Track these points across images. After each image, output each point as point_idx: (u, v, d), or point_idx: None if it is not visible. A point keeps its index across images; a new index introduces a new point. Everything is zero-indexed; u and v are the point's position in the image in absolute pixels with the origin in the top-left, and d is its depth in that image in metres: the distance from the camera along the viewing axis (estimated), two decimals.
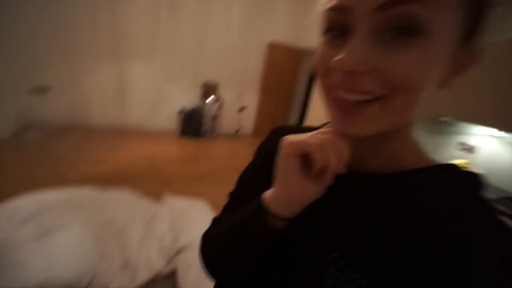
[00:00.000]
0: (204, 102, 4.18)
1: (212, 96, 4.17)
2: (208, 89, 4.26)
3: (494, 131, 2.14)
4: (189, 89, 4.30)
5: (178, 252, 1.66)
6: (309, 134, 0.30)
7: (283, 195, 0.31)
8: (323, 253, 0.31)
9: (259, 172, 0.45)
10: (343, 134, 0.28)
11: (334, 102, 0.28)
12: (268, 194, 0.33)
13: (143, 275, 1.44)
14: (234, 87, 4.60)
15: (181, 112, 4.16)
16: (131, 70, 3.80)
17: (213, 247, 0.42)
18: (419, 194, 0.29)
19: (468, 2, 0.23)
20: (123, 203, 2.00)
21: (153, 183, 2.62)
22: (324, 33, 0.28)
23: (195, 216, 2.05)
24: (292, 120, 5.23)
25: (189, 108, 4.28)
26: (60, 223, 1.58)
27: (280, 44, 4.53)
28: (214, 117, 4.26)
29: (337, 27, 0.26)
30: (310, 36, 4.35)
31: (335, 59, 0.24)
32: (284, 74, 4.75)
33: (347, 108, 0.27)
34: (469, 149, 2.32)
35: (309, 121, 3.71)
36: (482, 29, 0.25)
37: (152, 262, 1.51)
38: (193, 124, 4.10)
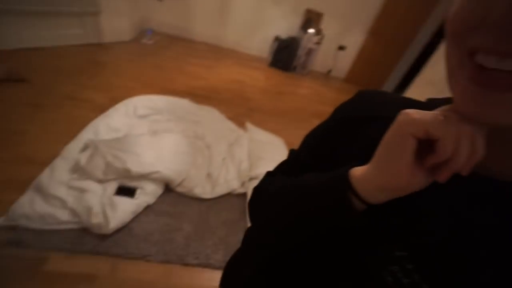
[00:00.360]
0: (303, 33, 3.79)
1: (312, 29, 3.71)
2: (310, 18, 3.78)
3: None
4: (290, 15, 3.91)
5: (251, 179, 1.84)
6: (434, 112, 0.23)
7: (381, 181, 0.25)
8: (392, 247, 0.28)
9: (332, 140, 0.39)
10: (474, 119, 0.21)
11: (471, 71, 0.21)
12: (358, 172, 0.27)
13: (221, 189, 1.69)
14: (340, 21, 3.95)
15: (276, 39, 3.94)
16: None
17: (269, 206, 0.39)
18: None
19: None
20: (213, 122, 2.22)
21: (238, 108, 2.77)
22: None
23: (270, 151, 2.14)
24: (396, 77, 4.38)
25: (285, 37, 3.99)
26: (167, 127, 1.89)
27: None
28: (309, 52, 3.90)
29: None
30: None
31: (497, 11, 0.18)
32: (406, 18, 3.75)
33: (493, 80, 0.19)
34: None
35: (419, 81, 3.02)
36: None
37: (229, 181, 1.73)
38: (285, 55, 3.88)
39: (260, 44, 4.13)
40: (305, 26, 3.82)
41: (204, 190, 1.64)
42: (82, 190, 1.31)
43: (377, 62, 4.27)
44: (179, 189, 1.61)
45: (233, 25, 3.94)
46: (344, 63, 4.40)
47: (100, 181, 1.39)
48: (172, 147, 1.64)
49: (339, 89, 4.20)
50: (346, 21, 3.97)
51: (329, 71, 4.47)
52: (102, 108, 1.98)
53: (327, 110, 3.27)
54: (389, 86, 4.54)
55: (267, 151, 2.11)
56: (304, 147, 0.45)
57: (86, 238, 1.23)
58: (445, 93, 0.28)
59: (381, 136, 0.26)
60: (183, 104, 2.26)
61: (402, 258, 0.27)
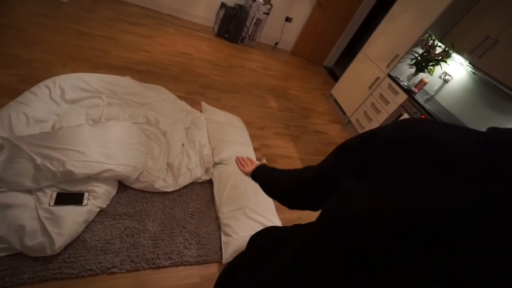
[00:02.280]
0: (251, 2, 3.55)
1: None
2: None
3: None
4: None
5: (216, 164, 1.74)
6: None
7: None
8: (434, 271, 0.30)
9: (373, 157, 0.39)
10: None
11: None
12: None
13: (184, 180, 1.55)
14: None
15: (222, 6, 3.60)
16: None
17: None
18: None
19: None
20: (164, 103, 1.96)
21: (189, 85, 2.52)
22: None
23: (232, 132, 2.05)
24: (337, 49, 4.60)
25: (232, 5, 3.68)
26: (109, 113, 1.58)
27: None
28: (258, 22, 3.71)
29: None
30: None
31: None
32: None
33: None
34: None
35: (361, 56, 3.23)
36: None
37: (192, 170, 1.60)
38: (233, 25, 3.61)
39: (204, 11, 3.73)
40: None
41: (166, 183, 1.49)
42: (4, 207, 1.02)
43: (321, 34, 4.37)
44: (136, 186, 1.41)
45: None
46: (290, 35, 4.37)
47: (30, 191, 1.10)
48: (122, 137, 1.39)
49: (286, 62, 4.21)
50: None
51: (276, 44, 4.40)
52: (9, 92, 1.52)
53: (279, 85, 3.29)
54: (331, 59, 4.77)
55: (228, 132, 2.01)
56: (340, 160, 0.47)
57: (24, 264, 0.98)
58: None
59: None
60: (124, 83, 1.91)
61: (439, 277, 0.29)
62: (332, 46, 4.61)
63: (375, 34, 3.09)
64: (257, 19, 3.67)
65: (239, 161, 0.87)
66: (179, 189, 1.55)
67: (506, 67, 2.04)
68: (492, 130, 0.33)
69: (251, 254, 0.65)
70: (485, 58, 2.20)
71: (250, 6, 3.56)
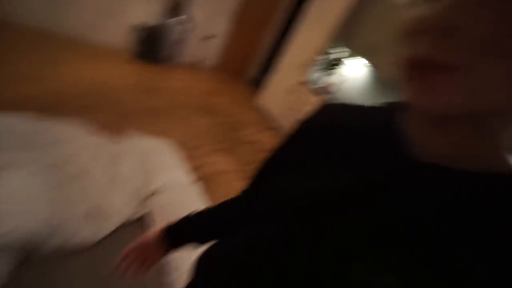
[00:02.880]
0: (170, 20, 3.49)
1: (182, 15, 3.49)
2: (178, 3, 3.52)
3: None
4: (152, 1, 3.48)
5: (150, 196, 1.64)
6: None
7: None
8: (356, 249, 0.27)
9: (296, 143, 0.42)
10: (420, 109, 0.25)
11: (408, 73, 0.24)
12: None
13: (111, 223, 1.39)
14: (210, 7, 3.90)
15: (138, 27, 3.44)
16: None
17: None
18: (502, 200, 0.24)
19: None
20: (79, 138, 1.75)
21: (108, 114, 2.31)
22: None
23: (164, 158, 1.97)
24: (259, 62, 4.91)
25: (149, 24, 3.55)
26: (6, 160, 1.33)
27: None
28: (179, 41, 3.68)
29: None
30: None
31: (418, 16, 0.22)
32: (266, 4, 4.18)
33: (431, 71, 0.22)
34: None
35: (280, 67, 3.55)
36: None
37: (121, 208, 1.47)
38: (151, 45, 3.49)
39: (118, 32, 3.49)
40: (172, 12, 3.53)
41: (88, 233, 1.30)
42: None
43: (243, 48, 4.60)
44: (47, 249, 1.15)
45: (79, 8, 3.09)
46: (213, 51, 4.47)
47: None
48: (24, 188, 1.19)
49: (211, 78, 4.29)
50: (215, 8, 3.96)
51: (200, 61, 4.44)
52: None
53: (206, 102, 3.30)
54: (255, 70, 5.05)
55: (160, 159, 1.93)
56: (270, 163, 0.47)
57: None
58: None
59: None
60: (24, 122, 1.64)
61: (362, 260, 0.26)
62: (254, 58, 4.90)
63: (290, 44, 3.44)
64: (177, 38, 3.64)
65: (129, 260, 0.59)
66: (106, 238, 1.38)
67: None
68: (389, 103, 0.37)
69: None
70: (374, 56, 2.73)
71: (170, 25, 3.51)
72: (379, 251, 0.26)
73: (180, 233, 0.58)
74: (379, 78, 2.90)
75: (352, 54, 2.99)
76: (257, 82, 4.95)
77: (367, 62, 2.90)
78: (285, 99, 3.37)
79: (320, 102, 2.90)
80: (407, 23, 0.23)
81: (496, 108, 0.23)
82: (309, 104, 3.03)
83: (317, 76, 3.24)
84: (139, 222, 1.55)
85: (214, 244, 0.51)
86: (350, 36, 2.99)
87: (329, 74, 3.16)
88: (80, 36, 3.27)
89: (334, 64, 3.07)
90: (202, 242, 0.56)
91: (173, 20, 3.46)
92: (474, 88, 0.21)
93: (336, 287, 0.27)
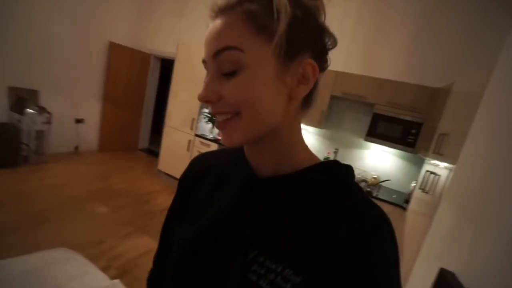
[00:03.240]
0: (17, 116, 3.02)
1: (32, 108, 3.09)
2: (22, 97, 3.11)
3: (303, 126, 3.15)
4: None
5: None
6: None
7: None
8: (245, 252, 0.35)
9: (180, 199, 0.49)
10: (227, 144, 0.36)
11: (216, 124, 0.37)
12: None
13: None
14: (66, 94, 3.65)
15: None
16: None
17: None
18: (311, 185, 0.37)
19: (273, 40, 0.31)
20: None
21: None
22: None
23: (58, 271, 1.59)
24: (145, 130, 4.89)
25: None
26: None
27: (123, 45, 4.06)
28: (40, 135, 3.20)
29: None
30: (155, 40, 4.25)
31: (198, 94, 0.34)
32: (131, 78, 4.33)
33: (219, 125, 0.35)
34: None
35: (167, 129, 3.68)
36: (296, 50, 0.33)
37: None
38: (5, 147, 2.87)
39: None
40: (17, 107, 3.07)
41: None
42: None
43: (123, 123, 4.46)
44: None
45: None
46: (90, 134, 4.11)
47: None
48: None
49: (98, 160, 3.89)
50: (73, 93, 3.73)
51: (77, 147, 3.97)
52: None
53: (100, 187, 3.02)
54: (144, 140, 4.93)
55: (54, 274, 1.55)
56: (167, 222, 0.52)
57: None
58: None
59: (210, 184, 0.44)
60: None
61: (255, 256, 0.34)
62: (139, 129, 4.81)
63: (168, 108, 3.64)
64: (37, 131, 3.17)
65: None
66: None
67: None
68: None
69: None
70: None
71: (19, 121, 3.02)
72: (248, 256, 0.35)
73: None
74: None
75: None
76: (152, 150, 4.81)
77: None
78: (185, 158, 3.46)
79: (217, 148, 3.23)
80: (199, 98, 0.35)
81: (269, 129, 0.35)
82: None
83: (206, 127, 3.54)
84: None
85: None
86: None
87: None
88: None
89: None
90: None
91: (23, 115, 3.03)
92: (248, 124, 0.33)
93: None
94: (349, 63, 2.89)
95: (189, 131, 3.43)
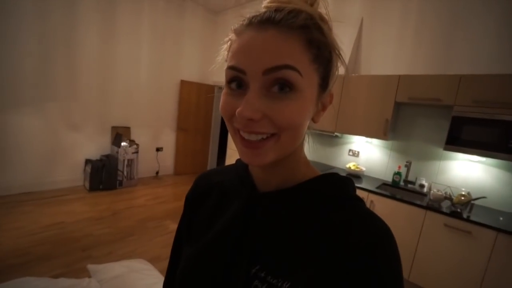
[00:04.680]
0: (116, 148, 3.78)
1: (125, 141, 3.83)
2: (119, 133, 3.90)
3: (366, 139, 2.90)
4: (96, 136, 3.81)
5: None
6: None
7: None
8: (247, 268, 0.35)
9: (187, 216, 0.50)
10: (250, 164, 0.35)
11: (240, 140, 0.33)
12: None
13: None
14: (149, 128, 4.39)
15: (87, 162, 3.61)
16: (14, 120, 3.06)
17: None
18: (313, 197, 0.37)
19: (320, 70, 0.33)
20: None
21: (68, 256, 2.15)
22: (227, 83, 0.34)
23: (136, 278, 1.82)
24: (213, 153, 5.36)
25: (98, 157, 3.77)
26: None
27: (191, 81, 4.69)
28: (130, 163, 3.89)
29: (236, 80, 0.33)
30: (217, 72, 4.74)
31: (238, 110, 0.30)
32: (199, 109, 4.90)
33: (250, 144, 0.32)
34: (356, 154, 3.04)
35: (230, 151, 3.94)
36: (329, 82, 0.36)
37: None
38: (105, 174, 3.61)
39: (68, 174, 3.58)
40: (116, 141, 3.85)
41: None
42: None
43: (193, 150, 5.01)
44: None
45: (22, 163, 3.18)
46: (167, 161, 4.75)
47: None
48: None
49: (173, 183, 4.41)
50: (154, 126, 4.45)
51: (157, 172, 4.62)
52: None
53: (174, 207, 3.33)
54: (212, 163, 5.38)
55: (132, 281, 1.77)
56: (177, 239, 0.54)
57: None
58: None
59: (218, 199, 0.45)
60: None
61: (257, 272, 0.34)
62: (208, 153, 5.29)
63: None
64: (128, 160, 3.86)
65: None
66: None
67: None
68: (237, 160, 0.49)
69: None
70: None
71: (117, 152, 3.76)
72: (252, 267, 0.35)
73: None
74: None
75: None
76: None
77: None
78: None
79: None
80: (223, 109, 0.34)
81: (291, 152, 0.36)
82: None
83: None
84: None
85: None
86: None
87: None
88: (29, 189, 3.25)
89: None
90: None
91: (120, 147, 3.76)
92: (284, 145, 0.33)
93: None
94: (413, 64, 2.56)
95: None
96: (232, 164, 0.51)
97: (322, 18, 0.33)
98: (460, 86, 2.06)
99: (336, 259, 0.31)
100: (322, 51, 0.33)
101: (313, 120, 0.37)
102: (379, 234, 0.32)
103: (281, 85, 0.30)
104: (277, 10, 0.31)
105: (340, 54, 0.35)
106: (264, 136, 0.32)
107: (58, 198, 3.21)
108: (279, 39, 0.30)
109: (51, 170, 3.42)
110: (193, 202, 0.50)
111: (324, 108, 0.38)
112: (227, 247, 0.38)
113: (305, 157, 0.41)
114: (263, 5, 0.33)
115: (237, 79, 0.32)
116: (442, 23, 2.40)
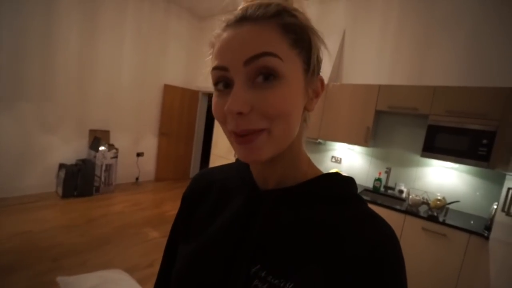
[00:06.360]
0: (94, 152, 3.60)
1: (104, 145, 3.66)
2: (97, 137, 3.73)
3: (348, 146, 2.98)
4: (73, 139, 3.61)
5: None
6: None
7: None
8: (247, 267, 0.34)
9: (184, 216, 0.48)
10: (249, 162, 0.34)
11: (235, 139, 0.33)
12: None
13: None
14: (129, 132, 4.23)
15: (61, 167, 3.40)
16: None
17: None
18: (315, 197, 0.37)
19: (303, 54, 0.33)
20: None
21: (36, 266, 1.99)
22: (214, 86, 0.34)
23: None
24: (196, 159, 5.26)
25: (73, 162, 3.56)
26: None
27: (175, 86, 4.62)
28: (108, 168, 3.71)
29: (222, 81, 0.33)
30: (202, 78, 4.72)
31: (226, 106, 0.30)
32: (182, 114, 4.81)
33: (243, 140, 0.32)
34: (338, 160, 3.11)
35: (213, 157, 3.89)
36: (315, 67, 0.35)
37: None
38: (80, 180, 3.41)
39: (39, 178, 3.35)
40: (94, 145, 3.67)
41: None
42: None
43: (175, 155, 4.88)
44: None
45: None
46: (148, 166, 4.59)
47: None
48: None
49: (154, 190, 4.26)
50: (135, 130, 4.30)
51: (137, 178, 4.45)
52: None
53: (153, 214, 3.23)
54: (195, 169, 5.27)
55: None
56: (171, 237, 0.51)
57: None
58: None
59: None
60: None
61: (257, 271, 0.34)
62: (190, 159, 5.18)
63: (214, 138, 3.88)
64: (107, 165, 3.69)
65: None
66: None
67: None
68: (236, 159, 0.47)
69: None
70: None
71: (95, 157, 3.58)
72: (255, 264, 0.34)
73: None
74: None
75: None
76: None
77: None
78: None
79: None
80: (215, 112, 0.34)
81: (290, 143, 0.35)
82: None
83: None
84: None
85: None
86: None
87: None
88: None
89: None
90: None
91: (98, 151, 3.59)
92: (277, 138, 0.32)
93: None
94: (392, 74, 2.70)
95: (232, 158, 3.53)
96: (232, 163, 0.50)
97: (293, 8, 0.34)
98: (435, 97, 2.20)
99: (338, 262, 0.31)
100: (300, 34, 0.33)
101: (306, 108, 0.37)
102: (381, 235, 0.32)
103: (264, 75, 0.30)
104: (249, 7, 0.32)
105: (317, 33, 0.34)
106: (257, 129, 0.32)
107: (26, 205, 2.98)
108: (255, 31, 0.31)
109: (19, 175, 3.18)
110: (191, 200, 0.48)
111: (317, 95, 0.37)
112: (226, 246, 0.37)
113: (306, 155, 0.41)
114: (238, 8, 0.34)
115: (222, 79, 0.32)
116: (417, 37, 2.57)
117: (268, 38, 0.30)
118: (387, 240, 0.32)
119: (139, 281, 1.91)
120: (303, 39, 0.33)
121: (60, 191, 3.37)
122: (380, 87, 2.48)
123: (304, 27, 0.33)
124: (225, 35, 0.32)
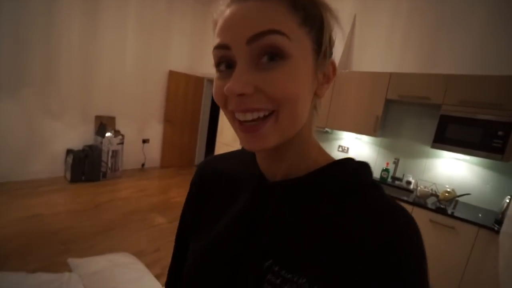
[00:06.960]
0: (101, 138, 3.62)
1: (110, 132, 3.67)
2: (103, 123, 3.73)
3: (356, 135, 2.93)
4: (79, 125, 3.63)
5: None
6: None
7: None
8: (260, 262, 0.33)
9: (193, 206, 0.47)
10: (253, 150, 0.32)
11: (238, 125, 0.31)
12: None
13: None
14: (135, 118, 4.23)
15: (69, 152, 3.43)
16: None
17: None
18: (327, 186, 0.34)
19: (312, 34, 0.30)
20: None
21: (46, 249, 2.04)
22: (216, 67, 0.32)
23: (119, 273, 1.74)
24: (201, 146, 5.26)
25: (80, 147, 3.59)
26: None
27: (180, 72, 4.56)
28: (115, 154, 3.74)
29: (224, 61, 0.30)
30: (207, 64, 4.63)
31: (225, 87, 0.28)
32: (187, 101, 4.77)
33: (248, 128, 0.30)
34: (345, 150, 3.06)
35: (218, 145, 3.88)
36: (326, 48, 0.32)
37: None
38: (87, 165, 3.45)
39: (48, 163, 3.40)
40: (100, 131, 3.68)
41: None
42: None
43: (180, 143, 4.89)
44: None
45: None
46: (153, 153, 4.62)
47: None
48: None
49: (159, 176, 4.30)
50: (140, 117, 4.30)
51: (143, 164, 4.49)
52: None
53: (159, 200, 3.26)
54: (200, 156, 5.29)
55: (116, 275, 1.70)
56: (180, 226, 0.50)
57: None
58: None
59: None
60: None
61: (270, 266, 0.32)
62: (195, 147, 5.19)
63: (219, 125, 3.86)
64: (113, 151, 3.71)
65: None
66: None
67: None
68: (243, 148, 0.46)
69: None
70: None
71: (101, 143, 3.60)
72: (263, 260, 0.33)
73: None
74: None
75: None
76: None
77: None
78: None
79: None
80: (215, 95, 0.32)
81: (299, 130, 0.33)
82: None
83: None
84: None
85: None
86: None
87: None
88: (2, 179, 3.05)
89: None
90: None
91: (104, 137, 3.60)
92: (285, 124, 0.30)
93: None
94: (404, 62, 2.59)
95: (238, 146, 3.52)
96: (238, 150, 0.47)
97: None
98: (449, 86, 2.11)
99: (353, 257, 0.29)
100: (311, 11, 0.30)
101: (317, 94, 0.34)
102: (400, 224, 0.30)
103: (270, 54, 0.28)
104: None
105: (331, 10, 0.31)
106: (261, 115, 0.29)
107: (36, 190, 3.04)
108: (260, 6, 0.28)
109: (28, 160, 3.23)
110: (199, 191, 0.47)
111: (328, 80, 0.34)
112: (237, 241, 0.36)
113: (316, 141, 0.38)
114: None
115: (225, 59, 0.30)
116: (429, 23, 2.44)
117: (275, 14, 0.28)
118: (404, 232, 0.29)
119: (146, 266, 1.95)
120: (314, 16, 0.30)
121: (68, 176, 3.42)
122: (391, 74, 2.39)
123: (316, 2, 0.30)
124: (228, 11, 0.30)
